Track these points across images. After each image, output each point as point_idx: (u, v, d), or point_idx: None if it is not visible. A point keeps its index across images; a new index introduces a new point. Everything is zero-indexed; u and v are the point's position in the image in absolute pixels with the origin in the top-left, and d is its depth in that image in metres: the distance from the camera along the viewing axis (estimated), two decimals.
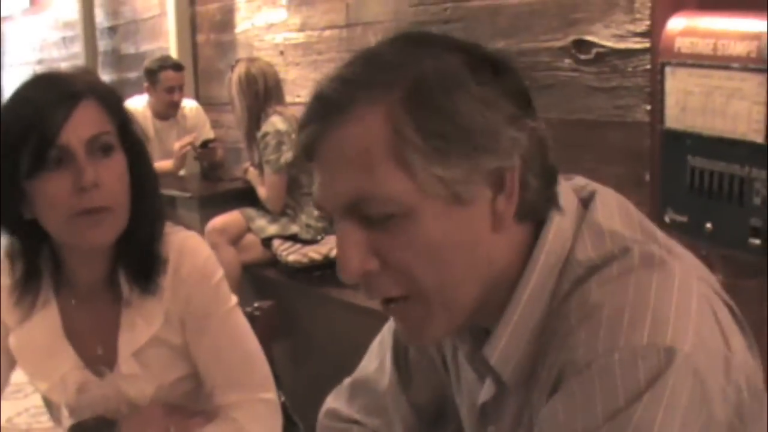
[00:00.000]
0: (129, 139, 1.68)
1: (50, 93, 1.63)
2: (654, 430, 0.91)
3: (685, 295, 0.98)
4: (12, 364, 1.81)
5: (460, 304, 1.05)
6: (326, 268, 4.15)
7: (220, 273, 1.76)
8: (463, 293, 1.04)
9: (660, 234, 1.11)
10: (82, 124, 1.61)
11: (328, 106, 1.01)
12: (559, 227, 1.07)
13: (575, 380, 0.96)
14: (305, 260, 4.14)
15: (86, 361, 1.74)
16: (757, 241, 2.09)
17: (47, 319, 1.75)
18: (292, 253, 4.18)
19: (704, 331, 0.97)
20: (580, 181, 1.15)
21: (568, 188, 1.12)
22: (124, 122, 1.68)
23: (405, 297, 1.03)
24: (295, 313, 3.95)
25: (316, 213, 4.31)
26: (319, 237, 4.31)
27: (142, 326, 1.71)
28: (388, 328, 1.42)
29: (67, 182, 1.59)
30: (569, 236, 1.07)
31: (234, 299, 1.79)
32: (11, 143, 1.60)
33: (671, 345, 0.93)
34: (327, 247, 4.21)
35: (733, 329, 1.03)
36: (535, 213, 1.07)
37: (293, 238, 4.30)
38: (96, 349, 1.74)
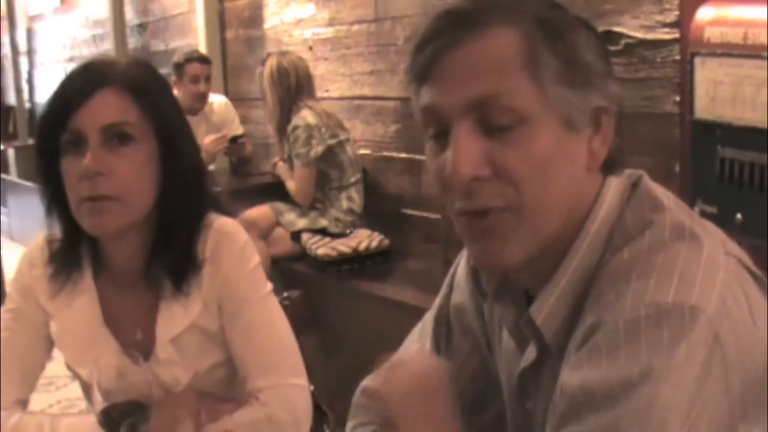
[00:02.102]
0: (163, 130, 1.67)
1: (78, 78, 1.65)
2: (665, 389, 0.95)
3: (711, 266, 1.02)
4: (48, 352, 1.84)
5: (547, 226, 1.10)
6: (355, 261, 4.18)
7: (256, 259, 1.79)
8: (552, 215, 1.09)
9: (693, 212, 1.15)
10: (99, 111, 1.61)
11: (463, 20, 1.08)
12: (613, 196, 1.13)
13: (601, 334, 1.01)
14: (334, 254, 4.15)
15: (125, 347, 1.75)
16: None
17: (87, 306, 1.77)
18: (321, 247, 4.19)
19: (729, 301, 1.00)
20: (628, 170, 1.20)
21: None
22: (158, 113, 1.66)
23: (501, 209, 1.08)
24: (324, 307, 3.96)
25: (345, 207, 4.34)
26: (348, 231, 4.33)
27: (180, 313, 1.73)
28: (431, 317, 1.45)
29: (78, 167, 1.60)
30: (617, 209, 1.13)
31: (269, 286, 1.82)
32: (42, 126, 1.65)
33: (696, 304, 0.98)
34: (356, 240, 4.23)
35: (761, 304, 1.06)
36: (612, 167, 1.14)
37: (322, 232, 4.32)
38: (135, 335, 1.76)
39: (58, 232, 1.76)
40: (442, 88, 1.09)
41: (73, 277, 1.77)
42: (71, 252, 1.76)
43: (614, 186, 1.14)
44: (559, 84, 1.06)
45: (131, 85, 1.64)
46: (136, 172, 1.63)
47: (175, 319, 1.74)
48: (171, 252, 1.71)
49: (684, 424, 0.95)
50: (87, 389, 1.82)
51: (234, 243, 1.76)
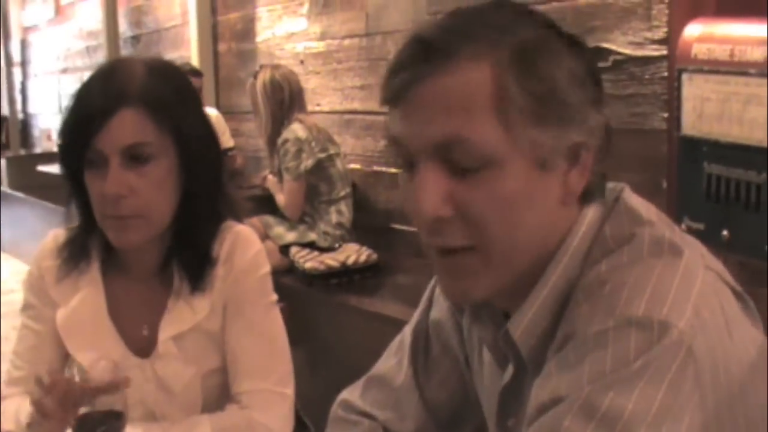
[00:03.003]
0: (182, 142, 1.69)
1: (101, 92, 1.66)
2: (632, 400, 0.93)
3: (687, 280, 1.01)
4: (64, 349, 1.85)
5: (514, 264, 1.08)
6: (343, 275, 4.17)
7: (267, 268, 1.82)
8: (521, 253, 1.07)
9: (674, 225, 1.13)
10: (119, 132, 1.63)
11: (432, 51, 1.04)
12: (592, 217, 1.11)
13: (571, 345, 1.00)
14: (322, 267, 4.14)
15: (129, 342, 1.78)
16: None
17: (92, 297, 1.79)
18: (309, 261, 4.18)
19: (704, 314, 0.98)
20: (610, 184, 1.18)
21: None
22: (177, 126, 1.68)
23: (467, 248, 1.06)
24: (311, 320, 3.96)
25: (334, 221, 4.33)
26: (336, 245, 4.32)
27: (187, 313, 1.75)
28: (409, 330, 1.44)
29: (100, 186, 1.63)
30: (597, 225, 1.11)
31: (275, 296, 1.84)
32: (65, 141, 1.69)
33: (666, 319, 0.96)
34: (344, 254, 4.22)
35: (740, 320, 1.05)
36: (591, 197, 1.12)
37: (311, 246, 4.31)
38: (141, 330, 1.78)
39: (72, 226, 1.81)
40: (409, 123, 1.06)
41: (80, 267, 1.80)
42: (81, 243, 1.80)
43: (593, 210, 1.12)
44: (529, 125, 1.03)
45: (149, 102, 1.65)
46: (158, 189, 1.66)
47: (182, 318, 1.75)
48: (189, 252, 1.75)
49: None
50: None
51: (249, 249, 1.79)
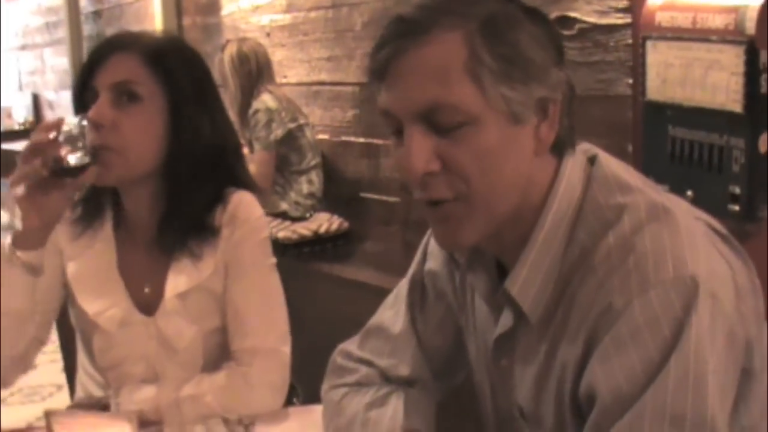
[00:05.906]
0: (173, 97, 1.78)
1: (102, 44, 1.82)
2: (691, 358, 1.05)
3: (691, 235, 1.13)
4: (63, 299, 1.91)
5: (498, 210, 1.19)
6: (315, 244, 4.23)
7: (267, 231, 1.91)
8: (503, 200, 1.19)
9: (656, 185, 1.25)
10: (111, 71, 1.75)
11: (410, 26, 1.17)
12: (571, 172, 1.23)
13: (621, 323, 1.10)
14: (295, 237, 4.20)
15: (134, 299, 1.84)
16: (736, 207, 2.17)
17: (104, 252, 1.87)
18: (281, 230, 4.23)
19: (712, 261, 1.13)
20: (584, 145, 1.29)
21: (577, 147, 1.27)
22: (170, 79, 1.78)
23: (453, 198, 1.17)
24: (285, 288, 3.97)
25: (305, 191, 4.38)
26: (307, 214, 4.37)
27: (192, 272, 1.82)
28: (405, 283, 1.54)
29: None
30: (579, 185, 1.22)
31: (274, 259, 1.93)
32: (73, 84, 1.83)
33: (693, 272, 1.08)
34: (316, 223, 4.28)
35: (732, 257, 1.18)
36: (563, 147, 1.23)
37: (283, 216, 4.36)
38: (143, 288, 1.85)
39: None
40: (394, 93, 1.18)
41: (94, 226, 1.87)
42: (95, 201, 1.87)
43: (571, 163, 1.23)
44: (500, 83, 1.15)
45: (146, 50, 1.78)
46: (139, 129, 1.74)
47: (186, 277, 1.82)
48: (183, 221, 1.80)
49: (715, 377, 1.06)
50: (87, 335, 1.88)
51: (251, 212, 1.86)
